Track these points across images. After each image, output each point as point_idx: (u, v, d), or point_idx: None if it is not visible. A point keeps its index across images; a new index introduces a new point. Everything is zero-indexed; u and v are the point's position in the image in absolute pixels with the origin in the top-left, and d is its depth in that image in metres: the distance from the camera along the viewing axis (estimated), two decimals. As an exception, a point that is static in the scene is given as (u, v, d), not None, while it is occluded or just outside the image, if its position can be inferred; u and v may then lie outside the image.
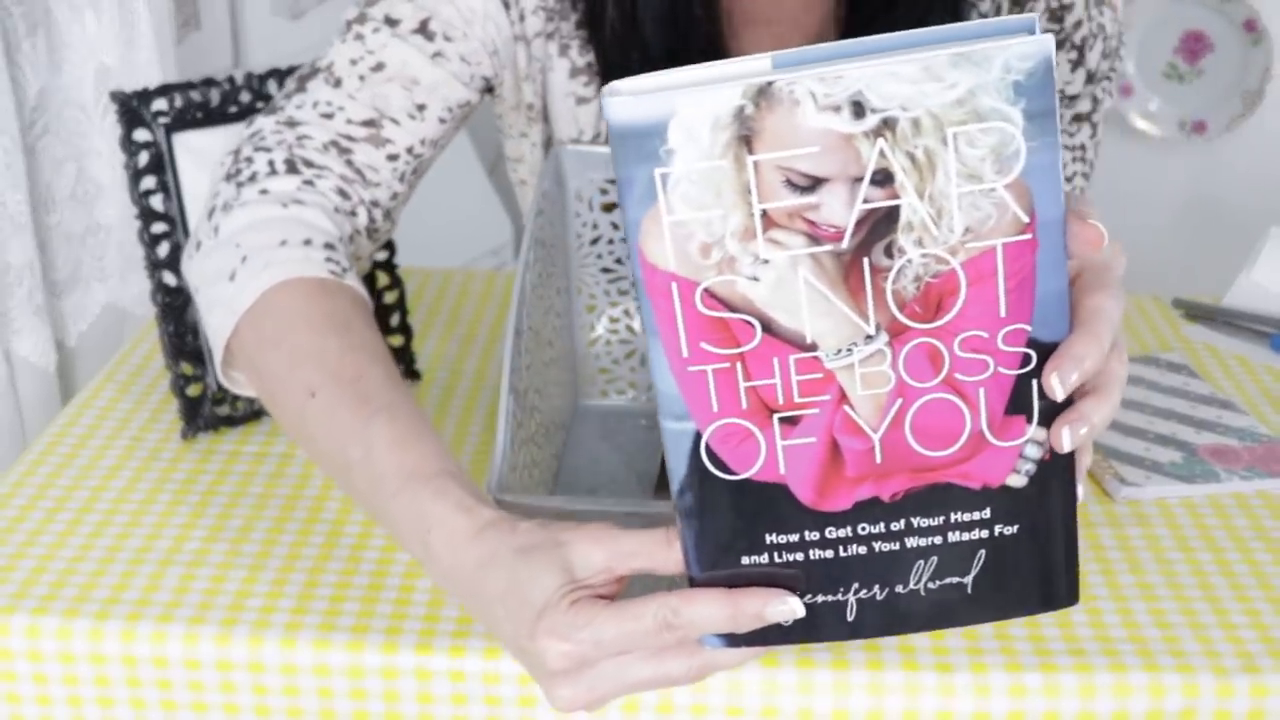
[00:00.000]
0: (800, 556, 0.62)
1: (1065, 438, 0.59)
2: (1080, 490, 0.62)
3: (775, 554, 0.62)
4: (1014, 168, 0.56)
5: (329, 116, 0.92)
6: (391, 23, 0.94)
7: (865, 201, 0.56)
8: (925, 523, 0.62)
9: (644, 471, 0.96)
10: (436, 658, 0.78)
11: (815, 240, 0.57)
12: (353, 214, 0.91)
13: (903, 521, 0.62)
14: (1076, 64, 0.99)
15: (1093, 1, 0.98)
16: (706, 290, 0.58)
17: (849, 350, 0.59)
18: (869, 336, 0.59)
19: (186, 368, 0.99)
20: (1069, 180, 1.03)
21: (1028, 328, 0.59)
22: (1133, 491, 0.94)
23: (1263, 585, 0.85)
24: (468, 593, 0.68)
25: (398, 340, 1.08)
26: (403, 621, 0.80)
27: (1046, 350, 0.59)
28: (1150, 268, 2.01)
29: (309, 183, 0.89)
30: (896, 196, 0.56)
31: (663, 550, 0.63)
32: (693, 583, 0.63)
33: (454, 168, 2.35)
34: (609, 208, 1.00)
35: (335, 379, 0.77)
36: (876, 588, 0.63)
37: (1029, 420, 0.60)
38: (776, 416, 0.60)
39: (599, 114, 1.02)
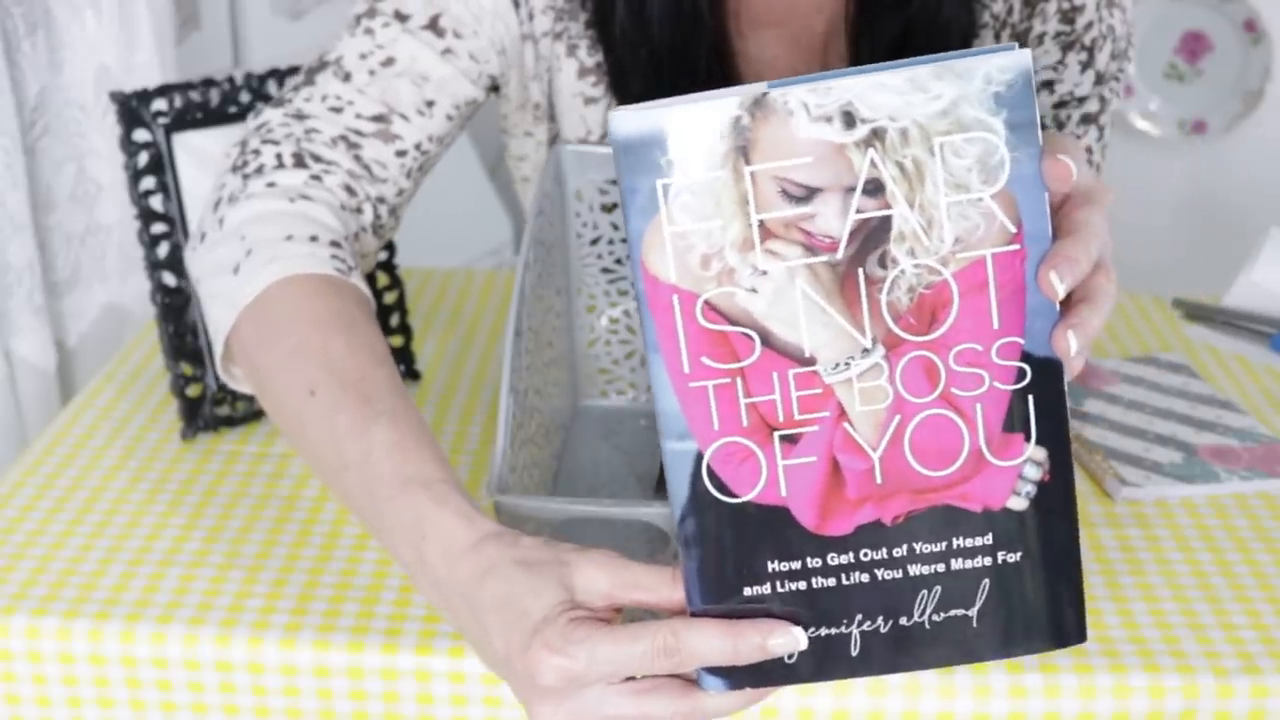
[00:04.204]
0: (803, 585, 0.62)
1: (1071, 341, 0.59)
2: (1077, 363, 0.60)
3: (777, 583, 0.62)
4: (999, 178, 0.58)
5: (338, 111, 0.91)
6: (402, 18, 0.93)
7: (858, 211, 0.58)
8: (928, 548, 0.62)
9: (644, 472, 0.96)
10: (436, 658, 0.78)
11: (811, 251, 0.58)
12: (358, 211, 0.90)
13: (905, 547, 0.62)
14: (1086, 65, 0.99)
15: (1103, 3, 0.98)
16: (707, 302, 0.59)
17: (846, 364, 0.59)
18: (865, 350, 0.59)
19: (186, 368, 0.99)
20: None
21: (1020, 341, 0.59)
22: (1133, 492, 0.94)
23: (1263, 585, 0.85)
24: (458, 604, 0.66)
25: (398, 340, 1.08)
26: (402, 623, 0.80)
27: (1040, 365, 0.59)
28: (1150, 268, 2.02)
29: (316, 178, 0.89)
30: (888, 207, 0.58)
31: (668, 587, 0.62)
32: (693, 616, 0.62)
33: (454, 168, 2.34)
34: (609, 208, 1.00)
35: (337, 378, 0.76)
36: (880, 619, 0.62)
37: (1027, 439, 0.60)
38: (777, 435, 0.60)
39: (606, 114, 1.02)
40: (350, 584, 0.84)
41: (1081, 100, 1.01)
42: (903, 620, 0.62)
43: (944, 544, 0.62)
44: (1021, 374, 0.60)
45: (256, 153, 0.89)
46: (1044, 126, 0.98)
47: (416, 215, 1.28)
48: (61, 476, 0.94)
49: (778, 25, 1.02)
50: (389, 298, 1.07)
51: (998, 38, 1.01)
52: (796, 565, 0.61)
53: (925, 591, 0.62)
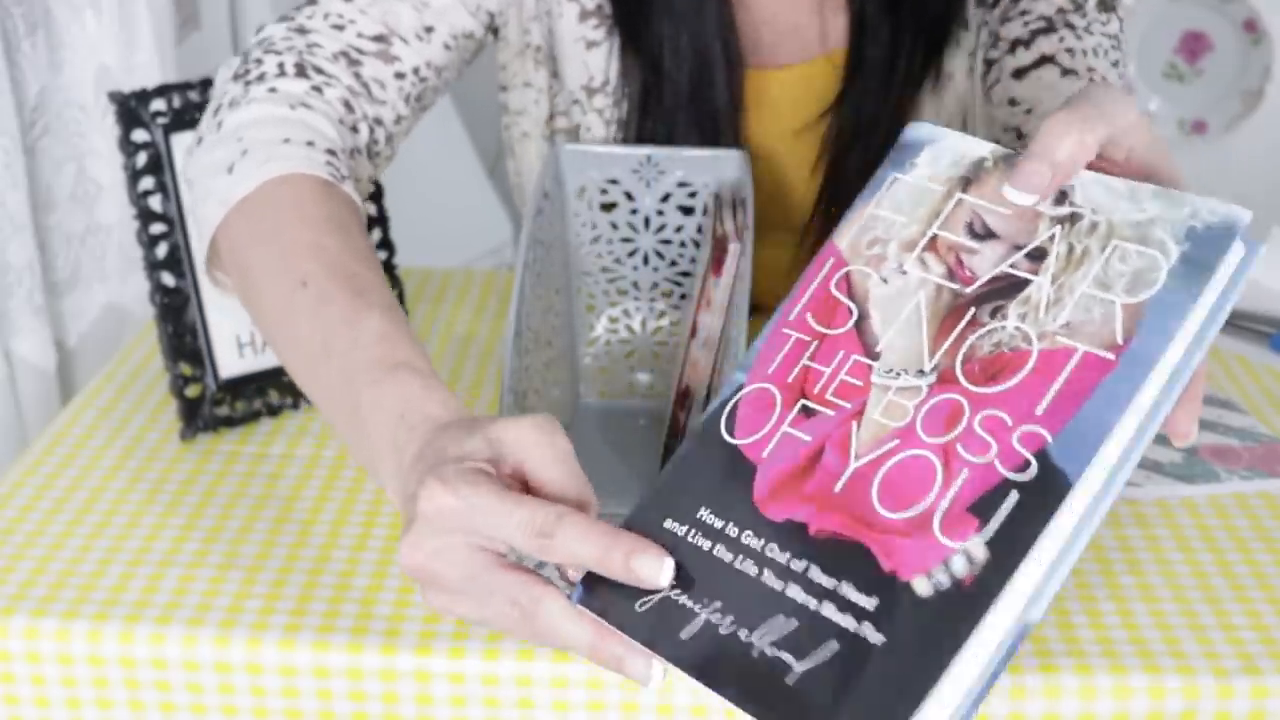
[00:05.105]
0: (707, 545, 0.61)
1: (1194, 429, 0.61)
2: (1192, 433, 0.61)
3: (692, 532, 0.61)
4: (1142, 293, 0.58)
5: (339, 28, 0.93)
6: None
7: (1010, 266, 0.62)
8: (818, 579, 0.57)
9: (644, 472, 0.96)
10: (436, 659, 0.78)
11: (951, 276, 0.63)
12: (355, 130, 0.92)
13: (804, 564, 0.58)
14: None
15: None
16: (847, 274, 0.65)
17: (898, 375, 0.61)
18: (921, 371, 0.61)
19: (186, 368, 0.99)
20: (1113, 66, 0.99)
21: (1049, 438, 0.56)
22: (1133, 491, 0.94)
23: (1263, 586, 0.85)
24: (408, 457, 0.65)
25: (397, 341, 1.08)
26: (401, 623, 0.80)
27: (1049, 472, 0.56)
28: (1151, 267, 2.01)
29: (317, 89, 0.90)
30: (1036, 274, 0.61)
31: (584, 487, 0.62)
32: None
33: (454, 168, 2.34)
34: (609, 207, 1.00)
35: (328, 271, 0.76)
36: (729, 619, 0.58)
37: (979, 530, 0.55)
38: (802, 403, 0.62)
39: (609, 58, 1.04)
40: (349, 585, 0.84)
41: None
42: (741, 633, 0.57)
43: (833, 583, 0.57)
44: (1025, 466, 0.56)
45: (259, 61, 0.91)
46: (1053, 28, 0.95)
47: (417, 216, 1.28)
48: (61, 476, 0.94)
49: None
50: (388, 298, 1.07)
51: None
52: (718, 524, 0.61)
53: (782, 618, 0.57)
